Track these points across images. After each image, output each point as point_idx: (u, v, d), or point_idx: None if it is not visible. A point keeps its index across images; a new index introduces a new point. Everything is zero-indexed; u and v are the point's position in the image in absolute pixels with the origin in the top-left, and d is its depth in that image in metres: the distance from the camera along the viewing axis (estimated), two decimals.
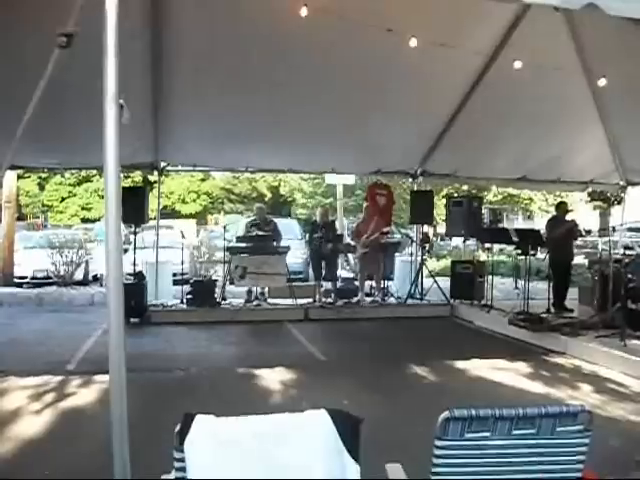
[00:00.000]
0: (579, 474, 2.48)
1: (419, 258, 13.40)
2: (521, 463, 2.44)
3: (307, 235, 13.49)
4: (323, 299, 12.39)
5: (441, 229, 23.77)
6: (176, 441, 2.25)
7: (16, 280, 16.48)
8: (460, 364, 8.25)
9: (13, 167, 12.33)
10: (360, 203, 20.93)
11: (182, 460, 2.23)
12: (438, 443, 2.39)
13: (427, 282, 13.13)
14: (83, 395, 6.63)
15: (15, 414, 5.90)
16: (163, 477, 2.52)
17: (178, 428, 2.26)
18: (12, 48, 7.84)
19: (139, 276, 11.55)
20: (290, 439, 2.30)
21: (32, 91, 3.24)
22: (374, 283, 12.93)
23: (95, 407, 6.16)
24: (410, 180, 14.14)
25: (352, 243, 12.79)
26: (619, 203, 16.92)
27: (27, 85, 3.41)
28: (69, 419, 5.89)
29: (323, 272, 12.52)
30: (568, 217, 11.46)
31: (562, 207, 11.73)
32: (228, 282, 12.49)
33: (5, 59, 7.98)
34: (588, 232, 12.51)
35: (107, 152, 2.99)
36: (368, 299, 12.70)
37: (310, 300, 12.33)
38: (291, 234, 16.99)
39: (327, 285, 12.67)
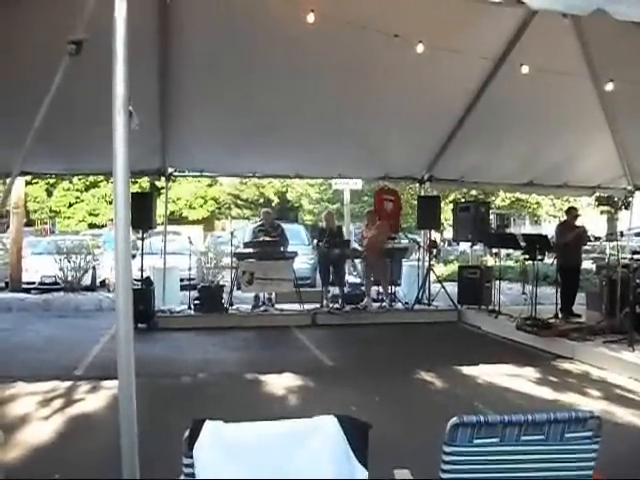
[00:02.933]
0: None
1: (426, 263, 13.38)
2: (530, 469, 2.43)
3: (314, 241, 13.50)
4: (330, 304, 12.38)
5: (448, 234, 23.78)
6: (185, 447, 2.25)
7: (24, 286, 16.56)
8: (468, 369, 8.22)
9: (21, 173, 12.39)
10: (368, 209, 20.90)
11: (191, 466, 2.23)
12: (446, 449, 2.39)
13: (434, 287, 13.10)
14: (91, 400, 6.63)
15: (23, 420, 5.91)
16: None
17: (187, 434, 2.26)
18: (22, 56, 7.90)
19: (147, 282, 11.57)
20: (299, 444, 2.30)
21: (42, 98, 3.26)
22: (381, 288, 12.91)
23: (103, 412, 6.17)
24: (417, 185, 14.14)
25: (360, 248, 12.79)
26: (627, 208, 16.88)
27: (37, 92, 3.43)
28: (78, 424, 5.89)
29: (331, 277, 12.52)
30: (577, 222, 11.43)
31: (572, 212, 11.69)
32: (235, 288, 12.50)
33: (15, 67, 8.03)
34: (597, 239, 12.48)
35: (117, 158, 3.01)
36: (375, 304, 12.68)
37: (317, 305, 12.32)
38: (298, 240, 17.02)
39: (334, 290, 12.67)
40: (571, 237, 10.98)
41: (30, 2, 7.21)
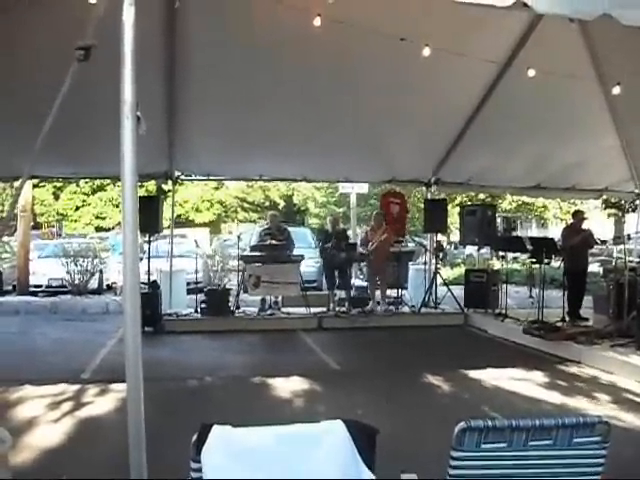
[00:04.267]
0: None
1: (433, 266, 13.37)
2: (538, 474, 2.42)
3: (320, 244, 13.50)
4: (337, 308, 12.37)
5: (455, 237, 23.74)
6: (193, 451, 2.26)
7: (31, 289, 16.61)
8: (474, 373, 8.21)
9: (29, 177, 12.42)
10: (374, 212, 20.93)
11: (199, 470, 2.23)
12: (454, 454, 2.38)
13: (441, 291, 13.08)
14: (99, 404, 6.65)
15: (31, 423, 5.92)
16: None
17: (195, 438, 2.27)
18: (31, 61, 7.93)
19: (153, 285, 11.58)
20: (306, 449, 2.30)
21: (50, 103, 3.28)
22: (388, 292, 12.89)
23: (111, 415, 6.19)
24: (424, 188, 14.13)
25: (362, 251, 12.75)
26: (634, 211, 16.84)
27: (46, 97, 3.45)
28: (85, 427, 5.90)
29: (337, 281, 12.51)
30: (584, 226, 11.41)
31: (578, 215, 11.69)
32: (242, 291, 12.51)
33: (24, 72, 8.07)
34: (604, 242, 12.46)
35: (124, 163, 3.03)
36: (383, 307, 12.65)
37: (324, 309, 12.31)
38: (304, 243, 17.01)
39: (341, 294, 12.65)
40: (577, 240, 10.96)
41: (39, 8, 7.24)
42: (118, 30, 3.03)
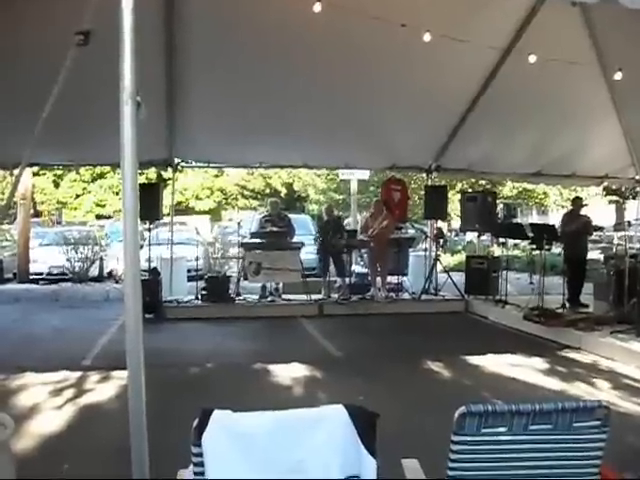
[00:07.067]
0: (596, 470, 2.47)
1: (433, 253, 13.37)
2: (538, 459, 2.43)
3: (316, 232, 13.49)
4: (336, 295, 12.37)
5: (455, 224, 23.73)
6: (194, 436, 2.26)
7: (32, 277, 16.62)
8: (475, 359, 8.23)
9: (29, 164, 12.40)
10: (374, 199, 20.88)
11: (200, 455, 2.24)
12: (454, 438, 2.39)
13: (441, 277, 13.09)
14: (100, 391, 6.67)
15: (33, 410, 5.94)
16: (181, 471, 2.55)
17: (196, 423, 2.27)
18: (29, 47, 7.90)
19: (154, 272, 11.59)
20: (307, 434, 2.31)
21: (50, 90, 3.26)
22: (389, 278, 12.87)
23: (112, 402, 6.20)
24: (424, 175, 14.11)
25: (365, 239, 12.74)
26: (634, 197, 16.82)
27: (45, 83, 3.43)
28: (86, 414, 5.92)
29: (331, 268, 12.51)
30: (582, 212, 11.41)
31: (577, 202, 11.69)
32: (242, 278, 12.51)
33: (23, 58, 8.03)
34: (600, 229, 12.45)
35: (124, 150, 3.01)
36: (381, 294, 12.66)
37: (324, 296, 12.32)
38: (305, 230, 17.01)
39: (340, 281, 12.65)
40: (576, 226, 10.97)
41: None
42: (117, 15, 3.01)
